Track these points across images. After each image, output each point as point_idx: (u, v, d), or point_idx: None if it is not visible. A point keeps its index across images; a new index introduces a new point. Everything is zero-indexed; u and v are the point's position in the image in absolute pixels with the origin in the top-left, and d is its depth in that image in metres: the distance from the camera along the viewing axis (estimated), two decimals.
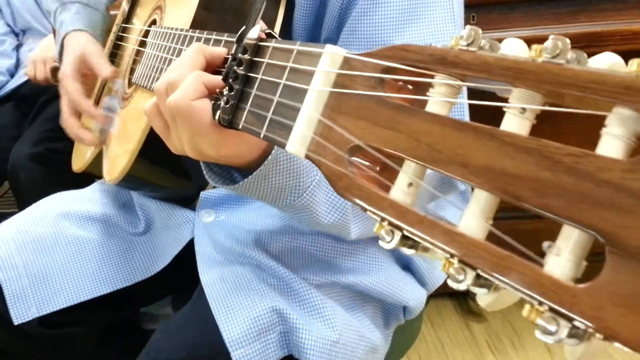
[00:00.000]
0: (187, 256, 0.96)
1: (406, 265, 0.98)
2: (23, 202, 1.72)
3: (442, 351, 1.78)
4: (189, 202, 1.04)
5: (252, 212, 0.97)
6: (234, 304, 0.81)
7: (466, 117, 0.80)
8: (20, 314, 0.94)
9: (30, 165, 1.68)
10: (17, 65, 2.07)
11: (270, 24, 0.85)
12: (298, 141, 0.43)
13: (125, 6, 1.24)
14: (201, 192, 1.00)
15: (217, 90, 0.56)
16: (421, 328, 1.19)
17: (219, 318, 0.80)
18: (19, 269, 0.94)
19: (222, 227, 0.96)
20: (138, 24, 1.12)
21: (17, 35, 2.13)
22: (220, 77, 0.56)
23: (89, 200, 1.08)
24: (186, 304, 0.89)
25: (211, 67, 0.60)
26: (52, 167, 1.66)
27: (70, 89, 1.07)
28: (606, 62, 0.31)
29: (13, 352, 1.03)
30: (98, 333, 1.09)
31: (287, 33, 0.88)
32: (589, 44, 1.58)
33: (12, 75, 2.05)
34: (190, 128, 0.58)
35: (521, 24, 1.65)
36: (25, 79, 1.95)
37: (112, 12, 1.46)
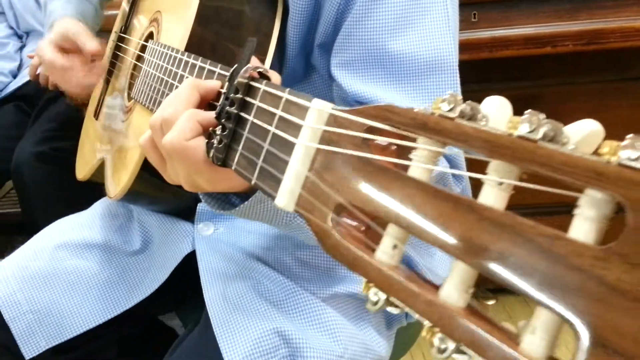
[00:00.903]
0: (190, 268, 0.97)
1: None
2: (26, 201, 1.74)
3: None
4: (187, 214, 1.04)
5: (250, 224, 0.98)
6: (237, 325, 0.82)
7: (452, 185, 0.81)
8: (30, 349, 0.96)
9: (35, 164, 1.69)
10: (20, 66, 2.08)
11: (266, 36, 0.85)
12: (286, 196, 0.44)
13: (125, 6, 1.24)
14: (198, 205, 1.00)
15: (211, 129, 0.57)
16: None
17: (221, 341, 0.80)
18: (22, 306, 0.96)
19: (222, 240, 0.97)
20: (135, 36, 1.13)
21: (20, 37, 2.14)
22: (213, 115, 0.57)
23: (87, 226, 1.08)
24: (195, 326, 0.90)
25: (205, 101, 0.61)
26: (56, 166, 1.67)
27: (46, 51, 1.08)
28: (583, 131, 0.32)
29: None
30: (116, 346, 1.10)
31: (281, 43, 0.88)
32: (590, 41, 1.58)
33: (14, 77, 2.06)
34: (186, 166, 0.59)
35: (522, 21, 1.65)
36: (27, 79, 1.96)
37: (108, 13, 1.47)
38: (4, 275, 0.99)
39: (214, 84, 0.61)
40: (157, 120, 0.61)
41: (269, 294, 0.88)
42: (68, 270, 1.01)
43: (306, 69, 0.93)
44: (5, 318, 0.95)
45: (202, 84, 0.61)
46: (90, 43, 1.07)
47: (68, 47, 1.10)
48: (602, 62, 1.70)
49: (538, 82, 1.72)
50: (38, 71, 1.72)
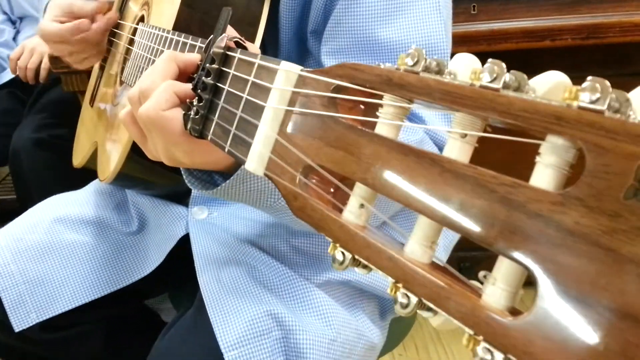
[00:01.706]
0: (183, 251, 0.96)
1: None
2: (24, 188, 1.74)
3: (438, 340, 1.79)
4: (182, 198, 1.04)
5: (244, 208, 0.97)
6: (230, 308, 0.82)
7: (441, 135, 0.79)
8: (20, 321, 0.95)
9: (33, 151, 1.69)
10: None
11: (255, 19, 0.84)
12: (256, 160, 0.43)
13: None
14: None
15: (188, 100, 0.56)
16: (417, 318, 1.20)
17: (214, 322, 0.80)
18: (15, 277, 0.96)
19: (217, 225, 0.96)
20: (129, 20, 1.12)
21: (14, 23, 2.13)
22: (190, 87, 0.56)
23: (83, 203, 1.08)
24: (188, 309, 0.89)
25: (185, 74, 0.60)
26: (53, 153, 1.67)
27: (48, 26, 1.07)
28: (549, 82, 0.31)
29: (24, 355, 1.04)
30: (104, 328, 1.10)
31: (274, 27, 0.88)
32: (589, 36, 1.56)
33: None
34: (163, 137, 0.58)
35: (522, 14, 1.63)
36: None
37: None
38: None
39: (192, 56, 0.60)
40: (135, 93, 0.60)
41: (263, 278, 0.88)
42: (64, 244, 1.01)
43: (301, 55, 0.93)
44: None
45: (180, 56, 0.60)
46: (86, 6, 1.07)
47: (67, 20, 1.09)
48: (601, 56, 1.68)
49: (536, 76, 1.70)
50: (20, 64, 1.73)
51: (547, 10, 1.62)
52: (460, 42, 1.57)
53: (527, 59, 1.68)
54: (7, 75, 2.01)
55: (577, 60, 1.66)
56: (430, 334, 1.82)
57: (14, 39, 2.10)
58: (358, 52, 0.81)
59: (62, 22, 1.08)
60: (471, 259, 1.92)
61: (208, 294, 0.84)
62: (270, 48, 0.89)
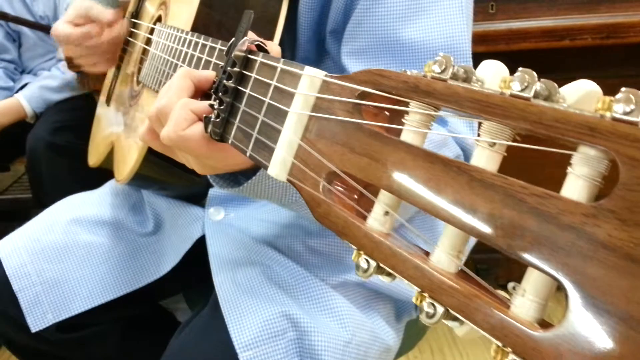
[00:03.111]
0: (199, 252, 0.97)
1: None
2: (40, 187, 1.75)
3: (454, 344, 1.78)
4: (198, 199, 1.04)
5: (261, 210, 0.97)
6: (245, 308, 0.82)
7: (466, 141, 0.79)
8: (36, 322, 0.95)
9: (52, 156, 1.70)
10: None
11: (274, 19, 0.84)
12: (279, 165, 0.43)
13: None
14: (210, 189, 1.00)
15: (208, 102, 0.56)
16: None
17: (229, 322, 0.80)
18: (32, 277, 0.96)
19: (233, 225, 0.96)
20: (146, 20, 1.12)
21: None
22: (207, 103, 0.57)
23: (99, 203, 1.08)
24: (203, 308, 0.90)
25: (200, 91, 0.61)
26: (70, 154, 1.68)
27: (61, 32, 1.07)
28: (580, 91, 0.30)
29: (40, 355, 1.05)
30: (120, 328, 1.10)
31: (292, 27, 0.87)
32: (610, 35, 1.55)
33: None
34: (191, 154, 0.59)
35: (540, 13, 1.62)
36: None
37: None
38: (14, 246, 0.99)
39: (207, 73, 0.61)
40: (153, 112, 0.61)
41: (278, 278, 0.88)
42: (81, 244, 1.01)
43: (319, 55, 0.92)
44: (14, 289, 0.95)
45: (195, 73, 0.61)
46: (104, 13, 1.07)
47: (82, 23, 1.09)
48: (622, 56, 1.67)
49: (555, 76, 1.68)
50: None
51: (566, 9, 1.61)
52: (479, 42, 1.56)
53: (546, 58, 1.66)
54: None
55: (597, 60, 1.64)
56: (446, 337, 1.81)
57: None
58: (379, 52, 0.80)
59: (76, 25, 1.08)
60: (488, 261, 1.91)
61: (223, 294, 0.84)
62: (287, 49, 0.89)
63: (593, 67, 1.67)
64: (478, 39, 1.55)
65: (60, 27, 1.07)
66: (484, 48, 1.59)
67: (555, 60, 1.68)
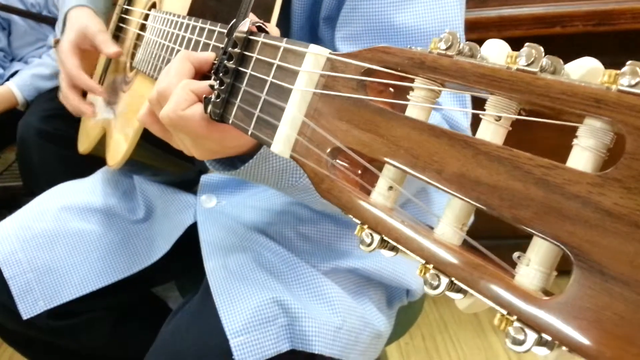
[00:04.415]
0: (191, 239, 0.97)
1: None
2: (30, 175, 1.74)
3: (445, 329, 1.79)
4: (190, 186, 1.04)
5: (253, 197, 0.97)
6: (237, 294, 0.82)
7: (459, 122, 0.80)
8: (28, 309, 0.95)
9: (42, 143, 1.69)
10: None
11: (269, 6, 0.84)
12: (282, 142, 0.43)
13: None
14: (202, 176, 1.00)
15: (208, 82, 0.57)
16: (424, 306, 1.20)
17: (220, 308, 0.80)
18: (23, 265, 0.96)
19: (225, 213, 0.96)
20: (139, 7, 1.12)
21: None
22: (207, 84, 0.57)
23: (90, 191, 1.08)
24: (194, 295, 0.90)
25: (200, 73, 0.61)
26: (60, 142, 1.67)
27: (68, 63, 1.07)
28: (584, 67, 0.31)
29: (32, 342, 1.05)
30: (112, 316, 1.10)
31: (285, 15, 0.87)
32: (600, 22, 1.55)
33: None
34: (189, 134, 0.59)
35: (532, 0, 1.62)
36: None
37: None
38: (5, 234, 0.99)
39: (207, 55, 0.61)
40: (154, 95, 0.62)
41: (269, 265, 0.88)
42: (72, 232, 1.01)
43: (312, 42, 0.92)
44: (5, 276, 0.95)
45: (194, 55, 0.61)
46: (110, 47, 1.07)
47: (86, 48, 1.10)
48: (613, 44, 1.67)
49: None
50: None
51: None
52: (470, 29, 1.56)
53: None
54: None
55: (589, 47, 1.64)
56: (437, 323, 1.82)
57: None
58: (374, 37, 0.81)
59: (80, 50, 1.10)
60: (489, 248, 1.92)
61: (214, 280, 0.85)
62: (280, 35, 0.89)
63: (584, 54, 1.67)
64: (469, 26, 1.54)
65: (68, 55, 1.09)
66: (476, 35, 1.59)
67: (547, 48, 1.68)
